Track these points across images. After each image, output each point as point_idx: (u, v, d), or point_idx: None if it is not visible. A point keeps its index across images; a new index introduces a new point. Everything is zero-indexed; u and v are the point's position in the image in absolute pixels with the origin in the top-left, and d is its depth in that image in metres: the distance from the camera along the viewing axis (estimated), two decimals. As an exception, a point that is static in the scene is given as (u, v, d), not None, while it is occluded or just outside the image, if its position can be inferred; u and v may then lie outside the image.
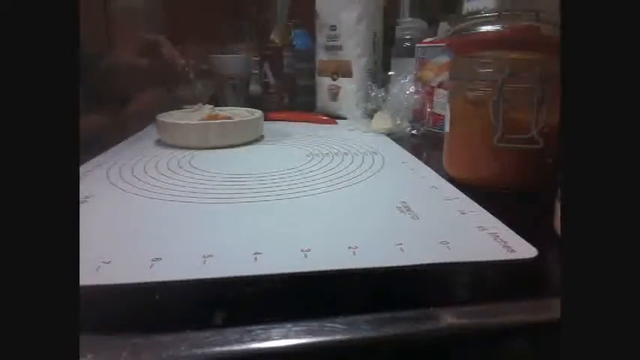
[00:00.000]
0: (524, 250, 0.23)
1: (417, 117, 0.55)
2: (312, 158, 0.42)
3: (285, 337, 0.16)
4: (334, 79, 0.68)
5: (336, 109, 0.69)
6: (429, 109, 0.54)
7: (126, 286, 0.19)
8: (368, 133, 0.55)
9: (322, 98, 0.71)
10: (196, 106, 0.54)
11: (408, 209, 0.28)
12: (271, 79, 0.73)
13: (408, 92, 0.54)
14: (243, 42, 0.78)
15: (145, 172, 0.37)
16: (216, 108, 0.55)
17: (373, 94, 0.57)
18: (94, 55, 0.38)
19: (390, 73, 0.59)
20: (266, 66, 0.72)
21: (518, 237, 0.24)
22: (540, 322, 0.18)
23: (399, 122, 0.54)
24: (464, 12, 0.50)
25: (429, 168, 0.38)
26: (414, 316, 0.17)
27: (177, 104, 0.57)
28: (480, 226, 0.25)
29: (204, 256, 0.22)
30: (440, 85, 0.52)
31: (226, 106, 0.63)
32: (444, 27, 0.56)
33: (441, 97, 0.52)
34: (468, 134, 0.33)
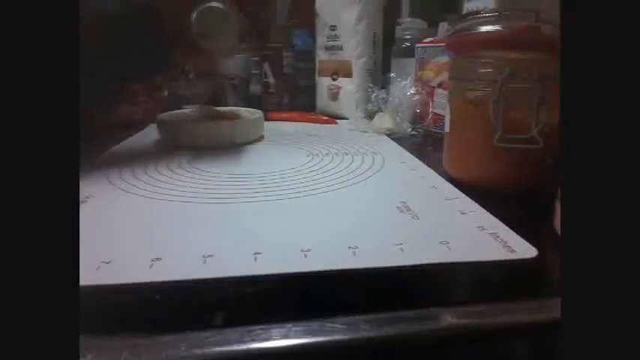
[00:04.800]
0: (524, 250, 0.23)
1: (418, 117, 0.55)
2: (312, 158, 0.42)
3: (285, 337, 0.16)
4: (334, 79, 0.68)
5: (336, 109, 0.69)
6: (430, 110, 0.54)
7: (126, 286, 0.19)
8: (368, 133, 0.55)
9: (322, 98, 0.71)
10: (196, 106, 0.54)
11: (408, 209, 0.28)
12: (271, 79, 0.73)
13: (408, 93, 0.54)
14: (243, 42, 0.78)
15: (145, 172, 0.37)
16: (216, 108, 0.55)
17: (374, 95, 0.57)
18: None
19: (391, 74, 0.59)
20: (266, 66, 0.72)
21: (518, 237, 0.24)
22: (540, 322, 0.18)
23: (399, 122, 0.54)
24: (464, 12, 0.50)
25: (429, 168, 0.38)
26: (414, 316, 0.17)
27: (177, 104, 0.57)
28: (480, 226, 0.25)
29: (204, 256, 0.22)
30: (440, 85, 0.53)
31: (226, 106, 0.63)
32: (444, 27, 0.56)
33: (441, 97, 0.52)
34: (468, 134, 0.33)
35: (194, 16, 0.37)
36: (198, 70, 0.50)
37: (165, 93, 0.60)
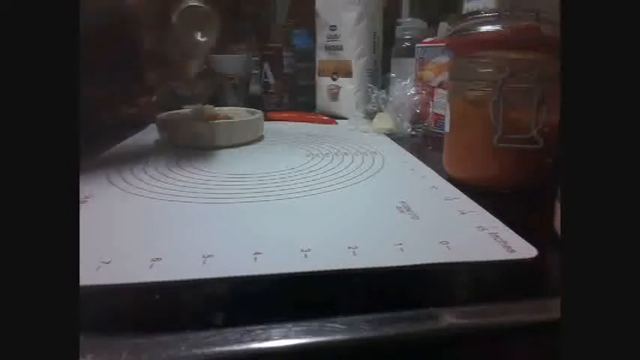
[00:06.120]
0: (524, 250, 0.23)
1: (418, 117, 0.55)
2: (312, 158, 0.42)
3: (285, 337, 0.16)
4: (334, 79, 0.68)
5: (336, 109, 0.69)
6: (431, 110, 0.54)
7: (126, 286, 0.19)
8: (368, 133, 0.55)
9: (322, 98, 0.71)
10: (196, 106, 0.54)
11: (408, 209, 0.28)
12: (271, 79, 0.73)
13: (409, 93, 0.54)
14: (243, 42, 0.78)
15: (145, 172, 0.37)
16: (216, 108, 0.55)
17: (374, 95, 0.57)
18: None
19: (391, 74, 0.59)
20: (266, 66, 0.72)
21: (518, 237, 0.24)
22: (540, 322, 0.18)
23: (399, 122, 0.54)
24: (464, 12, 0.50)
25: (429, 168, 0.38)
26: (414, 316, 0.17)
27: (177, 104, 0.57)
28: (480, 226, 0.25)
29: (204, 256, 0.22)
30: (440, 85, 0.53)
31: (226, 106, 0.63)
32: (444, 27, 0.56)
33: (441, 97, 0.52)
34: (467, 134, 0.33)
35: (175, 16, 0.37)
36: (164, 78, 0.49)
37: (154, 98, 0.60)
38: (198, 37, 0.38)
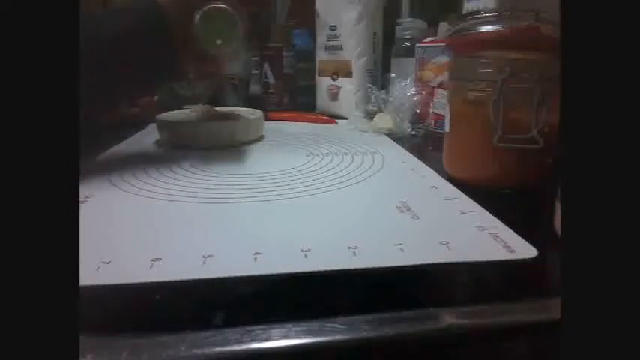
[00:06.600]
0: (524, 250, 0.23)
1: (418, 117, 0.55)
2: (312, 158, 0.42)
3: (285, 337, 0.16)
4: (334, 79, 0.68)
5: (336, 109, 0.69)
6: (431, 110, 0.54)
7: (126, 286, 0.19)
8: (368, 133, 0.55)
9: (322, 98, 0.71)
10: (196, 106, 0.54)
11: (408, 209, 0.28)
12: (271, 79, 0.73)
13: (409, 93, 0.54)
14: (247, 43, 0.78)
15: (145, 173, 0.37)
16: (216, 108, 0.55)
17: (374, 95, 0.57)
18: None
19: (391, 74, 0.59)
20: (266, 66, 0.72)
21: (518, 237, 0.24)
22: (540, 322, 0.18)
23: (399, 122, 0.54)
24: (464, 12, 0.50)
25: (429, 168, 0.38)
26: (414, 316, 0.18)
27: (177, 104, 0.57)
28: (480, 226, 0.25)
29: (204, 256, 0.22)
30: (440, 85, 0.53)
31: (226, 106, 0.63)
32: (444, 27, 0.56)
33: (441, 97, 0.52)
34: (468, 134, 0.33)
35: (197, 17, 0.37)
36: (204, 73, 0.49)
37: (155, 98, 0.60)
38: (218, 41, 0.38)
